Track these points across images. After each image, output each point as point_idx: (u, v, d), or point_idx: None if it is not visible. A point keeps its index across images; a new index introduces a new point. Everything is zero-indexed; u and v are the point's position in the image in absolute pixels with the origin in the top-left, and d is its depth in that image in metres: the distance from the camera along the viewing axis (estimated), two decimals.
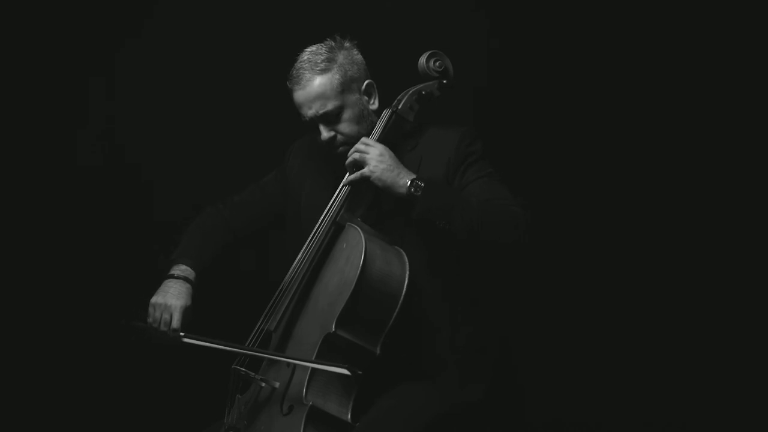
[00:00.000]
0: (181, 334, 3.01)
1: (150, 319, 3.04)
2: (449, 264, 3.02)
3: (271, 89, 3.61)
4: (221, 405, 3.06)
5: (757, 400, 3.70)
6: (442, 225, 2.88)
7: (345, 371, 2.77)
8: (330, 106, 3.03)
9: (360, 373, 2.77)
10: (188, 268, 3.11)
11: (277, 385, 2.94)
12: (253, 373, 3.01)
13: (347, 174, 3.01)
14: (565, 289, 3.84)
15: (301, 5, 3.98)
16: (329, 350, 2.85)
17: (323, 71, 3.03)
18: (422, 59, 3.10)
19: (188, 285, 3.08)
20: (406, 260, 2.91)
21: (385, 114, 3.07)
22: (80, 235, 4.04)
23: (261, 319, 3.03)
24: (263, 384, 2.98)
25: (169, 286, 3.07)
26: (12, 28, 3.98)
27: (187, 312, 3.03)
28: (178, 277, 3.09)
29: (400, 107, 3.07)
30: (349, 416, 2.87)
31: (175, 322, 3.01)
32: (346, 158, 3.00)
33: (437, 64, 3.10)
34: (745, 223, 3.75)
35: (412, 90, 3.09)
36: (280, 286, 3.04)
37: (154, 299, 3.05)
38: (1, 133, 4.00)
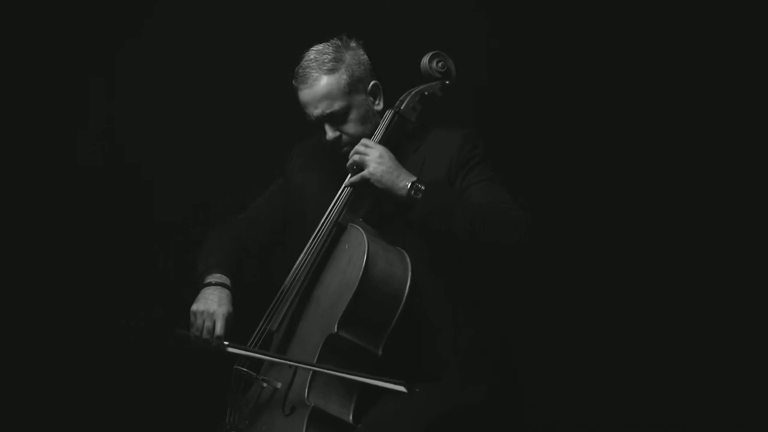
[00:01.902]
0: (225, 343, 2.96)
1: (192, 328, 2.99)
2: (451, 265, 3.02)
3: (271, 89, 3.61)
4: (222, 405, 3.05)
5: (757, 400, 3.70)
6: (441, 228, 2.88)
7: (402, 388, 2.73)
8: (337, 106, 3.02)
9: (417, 390, 2.74)
10: (223, 276, 3.07)
11: (278, 385, 2.94)
12: (254, 374, 3.00)
13: (349, 175, 3.01)
14: (566, 290, 3.84)
15: (301, 5, 3.98)
16: (331, 351, 2.85)
17: (331, 71, 3.03)
18: (425, 60, 3.10)
19: (228, 291, 3.04)
20: (409, 261, 2.91)
21: (388, 114, 3.07)
22: (80, 235, 4.03)
23: (263, 319, 3.02)
24: (265, 384, 2.97)
25: (208, 293, 3.02)
26: (12, 27, 3.97)
27: (229, 319, 2.99)
28: (216, 284, 3.05)
29: (402, 108, 3.06)
30: (350, 417, 2.87)
31: (219, 329, 2.96)
32: (347, 157, 3.00)
33: (440, 64, 3.10)
34: (745, 223, 3.75)
35: (414, 91, 3.09)
36: (282, 287, 3.04)
37: (195, 307, 3.00)
38: (1, 132, 3.99)
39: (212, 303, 2.99)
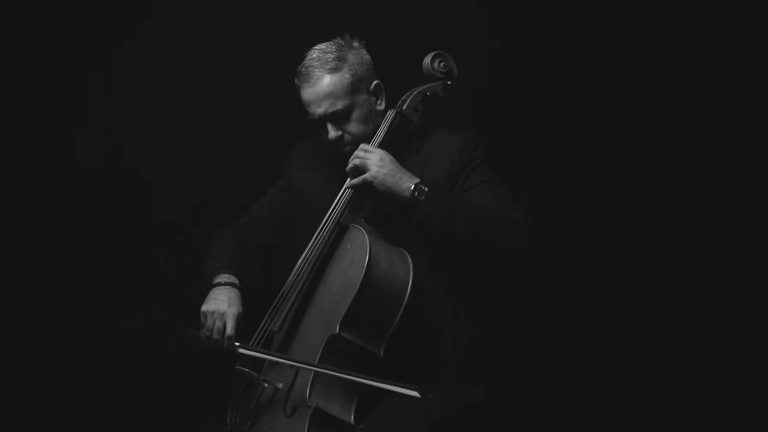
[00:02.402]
0: (236, 344, 2.95)
1: (202, 329, 2.98)
2: (452, 264, 3.02)
3: (271, 89, 3.61)
4: (224, 405, 3.05)
5: (757, 401, 3.70)
6: (443, 228, 2.88)
7: (415, 393, 2.71)
8: (339, 105, 3.02)
9: (431, 396, 2.73)
10: (232, 276, 3.07)
11: (280, 386, 2.93)
12: (256, 374, 2.99)
13: (349, 179, 3.01)
14: (566, 289, 3.84)
15: (300, 6, 3.97)
16: (333, 352, 2.85)
17: (334, 70, 3.02)
18: (427, 60, 3.09)
19: (237, 291, 3.04)
20: (410, 262, 2.91)
21: (390, 115, 3.07)
22: (80, 235, 4.02)
23: (264, 319, 3.01)
24: (266, 384, 2.97)
25: (218, 294, 3.02)
26: (12, 28, 3.97)
27: (240, 318, 2.99)
28: (225, 284, 3.04)
29: (404, 108, 3.06)
30: (351, 418, 2.86)
31: (230, 330, 2.96)
32: (349, 156, 2.99)
33: (442, 65, 3.10)
34: (745, 223, 3.75)
35: (416, 91, 3.09)
36: (284, 287, 3.03)
37: (205, 307, 2.99)
38: (1, 133, 3.99)
39: (222, 303, 2.99)
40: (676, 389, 3.77)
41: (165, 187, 4.05)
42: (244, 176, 3.83)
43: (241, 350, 2.95)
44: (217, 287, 3.04)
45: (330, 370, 2.82)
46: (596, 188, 3.84)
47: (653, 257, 3.80)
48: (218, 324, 2.97)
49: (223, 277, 3.06)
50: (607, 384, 3.80)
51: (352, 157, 2.99)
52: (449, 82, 3.11)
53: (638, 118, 3.83)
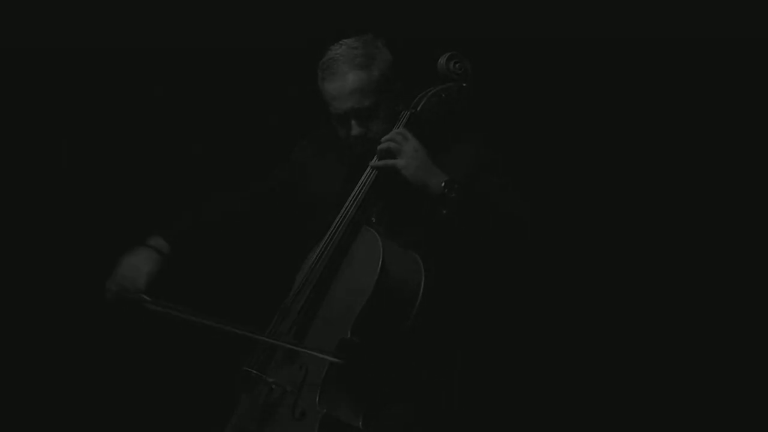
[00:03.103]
0: (146, 297, 2.97)
1: (114, 279, 3.02)
2: (462, 268, 3.01)
3: (272, 90, 3.59)
4: (230, 407, 3.04)
5: (758, 402, 3.70)
6: (470, 226, 2.86)
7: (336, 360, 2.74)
8: (367, 102, 2.97)
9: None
10: (161, 240, 3.09)
11: (288, 388, 2.90)
12: (264, 376, 2.95)
13: (375, 158, 2.96)
14: (568, 291, 3.84)
15: (300, 6, 3.95)
16: (343, 354, 2.82)
17: (363, 66, 2.97)
18: (442, 60, 3.06)
19: (157, 255, 3.06)
20: (422, 265, 2.88)
21: (404, 115, 3.02)
22: (80, 235, 4.02)
23: (273, 321, 2.98)
24: (274, 387, 2.93)
25: (137, 250, 3.06)
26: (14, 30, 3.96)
27: (151, 277, 3.01)
28: (148, 246, 3.07)
29: (418, 109, 3.02)
30: (360, 423, 2.84)
31: (140, 284, 2.99)
32: (363, 156, 2.97)
33: (457, 66, 3.06)
34: (745, 226, 3.76)
35: (431, 92, 3.05)
36: (294, 288, 3.00)
37: (121, 260, 3.03)
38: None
39: (137, 259, 3.04)
40: (676, 392, 3.79)
41: (165, 188, 4.02)
42: (244, 176, 3.80)
43: (150, 306, 2.96)
44: (140, 246, 3.08)
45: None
46: (595, 190, 3.85)
47: (652, 261, 3.82)
48: (129, 275, 3.00)
49: (153, 240, 3.09)
50: (608, 386, 3.81)
51: (387, 137, 2.93)
52: (464, 84, 3.07)
53: (638, 118, 3.84)
